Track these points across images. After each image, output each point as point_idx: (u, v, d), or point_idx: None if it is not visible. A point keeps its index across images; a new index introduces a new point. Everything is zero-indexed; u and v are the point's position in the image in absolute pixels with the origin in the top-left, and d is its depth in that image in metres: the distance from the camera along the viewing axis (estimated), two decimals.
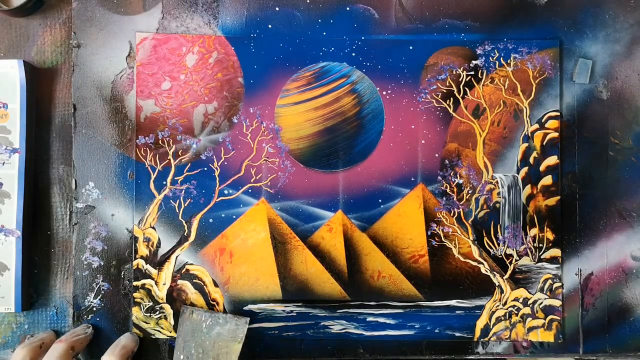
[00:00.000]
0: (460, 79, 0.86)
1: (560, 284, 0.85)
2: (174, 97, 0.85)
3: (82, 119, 0.84)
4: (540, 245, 0.85)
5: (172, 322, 0.84)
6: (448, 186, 0.86)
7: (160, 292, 0.84)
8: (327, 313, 0.85)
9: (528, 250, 0.85)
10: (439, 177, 0.86)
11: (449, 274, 0.86)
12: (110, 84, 0.85)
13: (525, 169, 0.86)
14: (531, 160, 0.86)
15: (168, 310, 0.84)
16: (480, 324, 0.85)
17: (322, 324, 0.85)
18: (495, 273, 0.85)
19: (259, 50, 0.85)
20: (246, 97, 0.85)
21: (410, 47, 0.86)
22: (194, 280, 0.85)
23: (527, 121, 0.86)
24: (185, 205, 0.85)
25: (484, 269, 0.85)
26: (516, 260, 0.85)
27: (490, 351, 0.85)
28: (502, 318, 0.85)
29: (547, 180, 0.86)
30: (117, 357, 0.76)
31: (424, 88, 0.86)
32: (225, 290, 0.85)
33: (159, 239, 0.84)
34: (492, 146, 0.86)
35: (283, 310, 0.85)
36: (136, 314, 0.84)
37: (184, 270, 0.85)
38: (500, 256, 0.86)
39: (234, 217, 0.85)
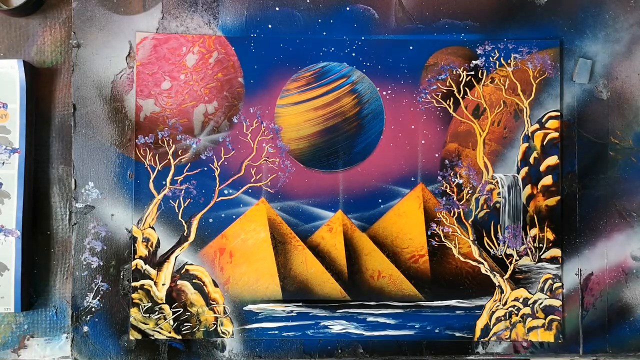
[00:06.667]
0: (460, 79, 0.86)
1: (560, 284, 0.85)
2: (174, 97, 0.85)
3: (82, 119, 0.84)
4: (540, 245, 0.85)
5: (172, 323, 0.84)
6: (448, 186, 0.86)
7: (160, 293, 0.84)
8: (327, 313, 0.85)
9: (528, 250, 0.85)
10: (439, 177, 0.86)
11: (449, 274, 0.85)
12: (110, 83, 0.84)
13: (526, 169, 0.86)
14: (531, 160, 0.86)
15: (167, 310, 0.84)
16: (480, 324, 0.85)
17: (322, 324, 0.85)
18: (495, 273, 0.85)
19: (259, 50, 0.85)
20: (246, 97, 0.85)
21: (410, 47, 0.86)
22: (193, 281, 0.84)
23: (527, 121, 0.86)
24: (185, 205, 0.84)
25: (484, 269, 0.85)
26: (516, 260, 0.85)
27: (490, 351, 0.85)
28: (502, 318, 0.85)
29: (547, 180, 0.86)
30: None
31: (424, 88, 0.86)
32: (225, 291, 0.85)
33: (158, 239, 0.84)
34: (492, 146, 0.86)
35: (283, 310, 0.85)
36: (134, 315, 0.83)
37: (183, 270, 0.84)
38: (500, 256, 0.86)
39: (234, 217, 0.85)
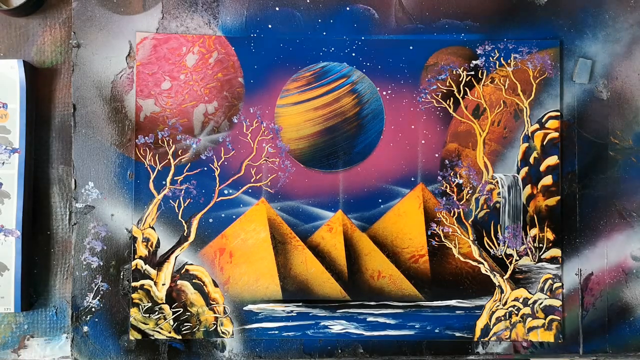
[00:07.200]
0: (460, 79, 0.86)
1: (560, 284, 0.85)
2: (174, 97, 0.85)
3: (82, 119, 0.84)
4: (540, 245, 0.85)
5: (172, 323, 0.84)
6: (448, 186, 0.86)
7: (160, 293, 0.84)
8: (327, 313, 0.85)
9: (528, 250, 0.85)
10: (439, 177, 0.86)
11: (449, 274, 0.85)
12: (110, 83, 0.84)
13: (526, 169, 0.86)
14: (531, 160, 0.86)
15: (167, 310, 0.84)
16: (480, 324, 0.85)
17: (322, 324, 0.85)
18: (495, 273, 0.85)
19: (259, 50, 0.85)
20: (246, 97, 0.85)
21: (410, 47, 0.86)
22: (193, 281, 0.84)
23: (527, 121, 0.86)
24: (185, 205, 0.84)
25: (484, 269, 0.85)
26: (516, 260, 0.85)
27: (490, 351, 0.85)
28: (502, 318, 0.85)
29: (547, 180, 0.86)
30: None
31: (424, 88, 0.86)
32: (225, 291, 0.84)
33: (158, 239, 0.84)
34: (492, 146, 0.86)
35: (283, 310, 0.85)
36: (134, 315, 0.83)
37: (183, 270, 0.84)
38: (500, 256, 0.86)
39: (234, 217, 0.85)
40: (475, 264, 0.85)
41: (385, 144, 0.86)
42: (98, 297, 0.83)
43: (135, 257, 0.84)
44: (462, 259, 0.86)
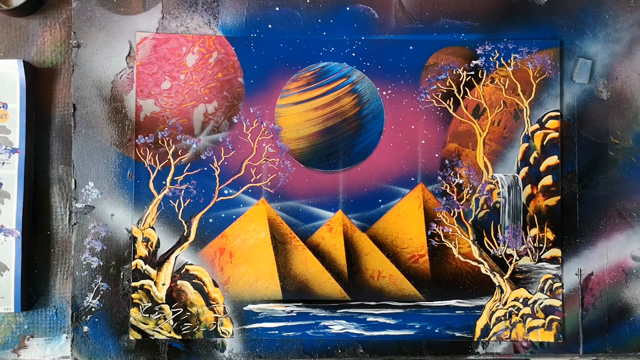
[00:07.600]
0: (460, 79, 0.86)
1: (560, 284, 0.85)
2: (174, 97, 0.85)
3: (82, 119, 0.84)
4: (541, 245, 0.85)
5: (172, 323, 0.84)
6: (448, 186, 0.86)
7: (160, 293, 0.84)
8: (327, 313, 0.85)
9: (528, 250, 0.85)
10: (439, 177, 0.86)
11: (449, 274, 0.85)
12: (110, 83, 0.84)
13: (526, 169, 0.86)
14: (531, 160, 0.86)
15: (167, 310, 0.84)
16: (480, 324, 0.85)
17: (322, 324, 0.85)
18: (495, 273, 0.85)
19: (259, 50, 0.85)
20: (246, 97, 0.85)
21: (410, 47, 0.86)
22: (193, 281, 0.84)
23: (527, 121, 0.86)
24: (185, 205, 0.84)
25: (484, 269, 0.85)
26: (516, 260, 0.85)
27: (490, 351, 0.85)
28: (502, 318, 0.85)
29: (547, 180, 0.86)
30: None
31: (424, 88, 0.86)
32: (225, 291, 0.85)
33: (158, 239, 0.84)
34: (492, 146, 0.86)
35: (283, 310, 0.85)
36: (134, 315, 0.83)
37: (183, 270, 0.84)
38: (500, 256, 0.86)
39: (234, 217, 0.85)
40: (475, 264, 0.85)
41: (385, 144, 0.86)
42: (98, 297, 0.83)
43: (135, 257, 0.84)
44: (462, 259, 0.86)
